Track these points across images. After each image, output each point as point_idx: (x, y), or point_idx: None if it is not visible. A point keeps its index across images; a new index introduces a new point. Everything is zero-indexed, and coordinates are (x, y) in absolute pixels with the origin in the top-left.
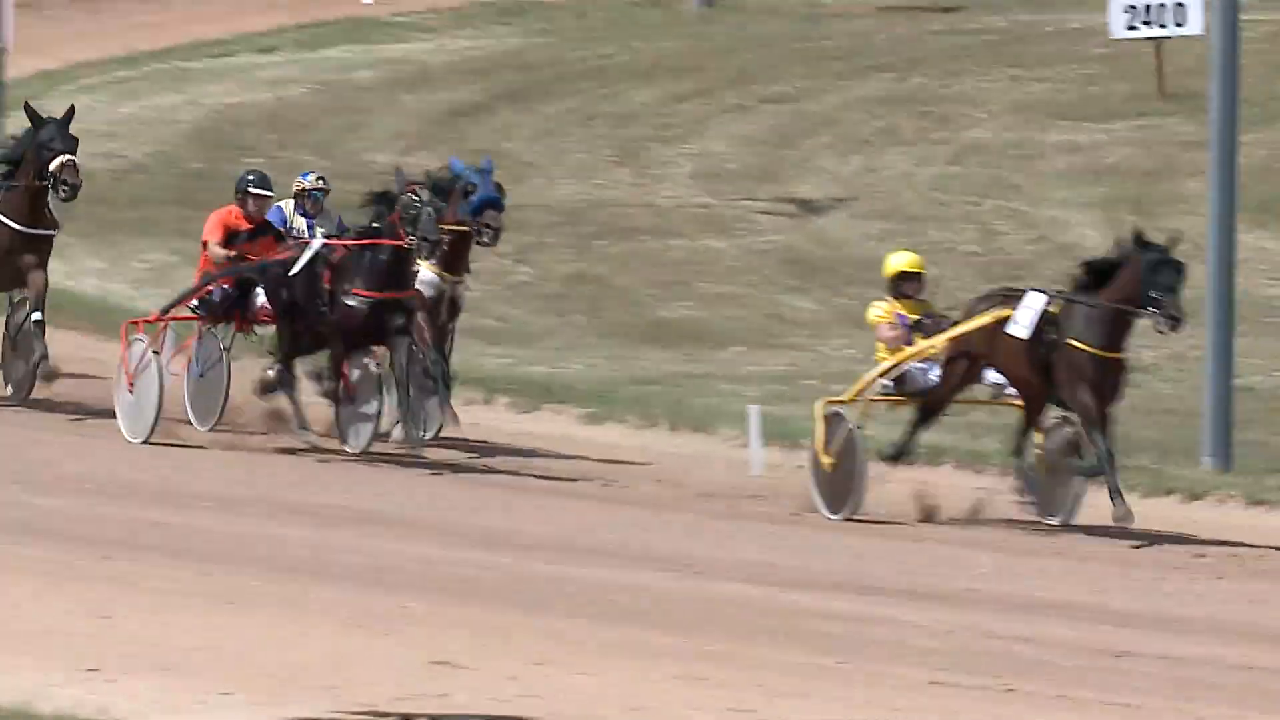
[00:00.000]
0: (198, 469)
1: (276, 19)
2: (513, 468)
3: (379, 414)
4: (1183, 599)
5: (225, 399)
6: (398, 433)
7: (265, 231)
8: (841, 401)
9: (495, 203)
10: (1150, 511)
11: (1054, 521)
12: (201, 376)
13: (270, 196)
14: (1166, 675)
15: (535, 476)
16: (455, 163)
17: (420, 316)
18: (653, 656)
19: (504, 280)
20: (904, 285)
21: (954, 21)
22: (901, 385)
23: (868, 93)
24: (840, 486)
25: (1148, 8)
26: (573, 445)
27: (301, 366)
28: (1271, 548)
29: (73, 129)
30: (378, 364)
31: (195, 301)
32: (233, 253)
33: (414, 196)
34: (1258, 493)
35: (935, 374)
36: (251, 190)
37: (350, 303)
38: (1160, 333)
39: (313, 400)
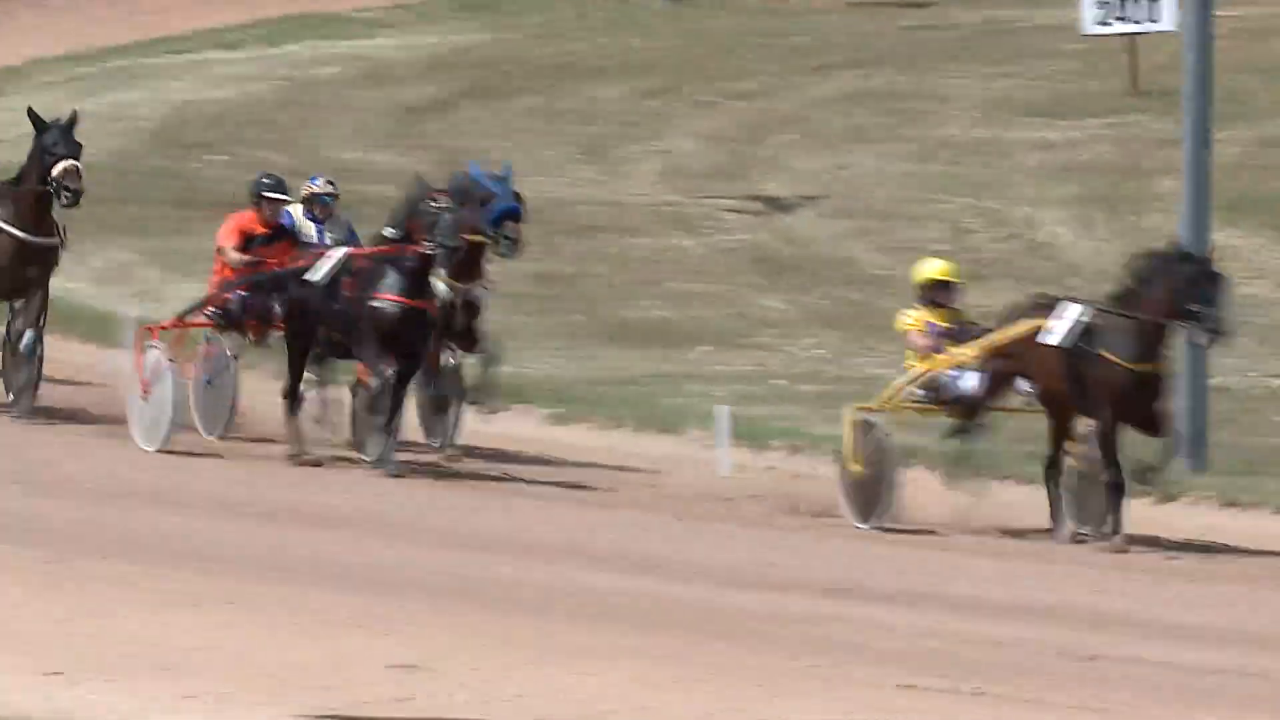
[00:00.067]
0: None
1: (237, 15)
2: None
3: (395, 426)
4: (1155, 602)
5: (234, 406)
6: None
7: (282, 236)
8: (871, 408)
9: (515, 213)
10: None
11: (1086, 532)
12: (209, 383)
13: (286, 200)
14: (1138, 678)
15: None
16: (474, 169)
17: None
18: (619, 659)
19: None
20: (936, 293)
21: (924, 17)
22: (933, 393)
23: (836, 89)
24: (870, 494)
25: (1121, 3)
26: (540, 446)
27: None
28: (1245, 550)
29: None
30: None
31: (213, 308)
32: (250, 257)
33: (433, 203)
34: (1232, 494)
35: (967, 382)
36: (267, 194)
37: (377, 304)
38: (1200, 345)
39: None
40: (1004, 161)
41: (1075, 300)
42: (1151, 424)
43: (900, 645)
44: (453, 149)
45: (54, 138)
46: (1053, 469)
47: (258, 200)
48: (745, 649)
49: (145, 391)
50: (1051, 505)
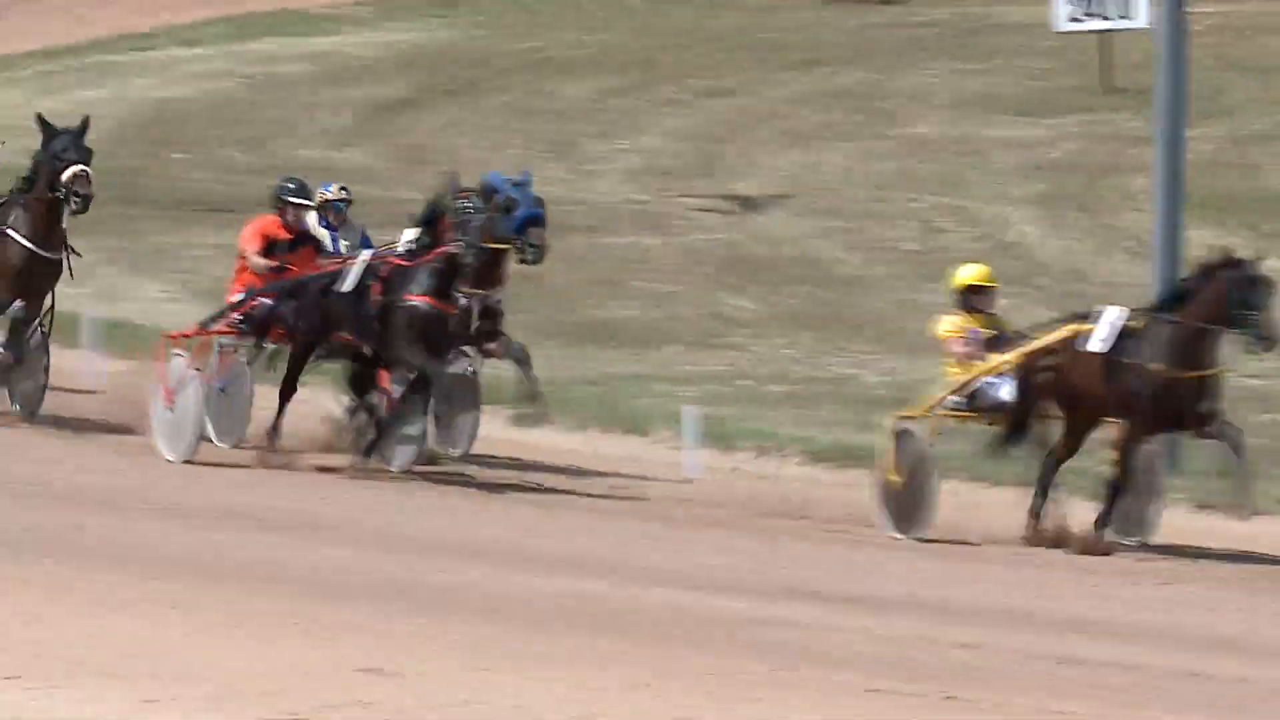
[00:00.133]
0: (141, 473)
1: (202, 11)
2: (457, 472)
3: (424, 434)
4: (1128, 605)
5: (248, 415)
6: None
7: (305, 242)
8: (912, 417)
9: (539, 219)
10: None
11: (1130, 542)
12: (223, 392)
13: (310, 206)
14: (1110, 682)
15: (465, 481)
16: (494, 176)
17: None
18: (591, 664)
19: None
20: (973, 298)
21: (896, 15)
22: (973, 401)
23: (808, 87)
24: (909, 505)
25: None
26: (507, 448)
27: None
28: (1217, 552)
29: None
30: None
31: (238, 316)
32: (274, 263)
33: (465, 203)
34: (1205, 497)
35: (1006, 390)
36: (291, 199)
37: (408, 304)
38: (1252, 353)
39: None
40: (976, 159)
41: (1117, 306)
42: (1199, 424)
43: (868, 650)
44: (419, 147)
45: (64, 144)
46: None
47: (281, 205)
48: (709, 654)
49: (169, 400)
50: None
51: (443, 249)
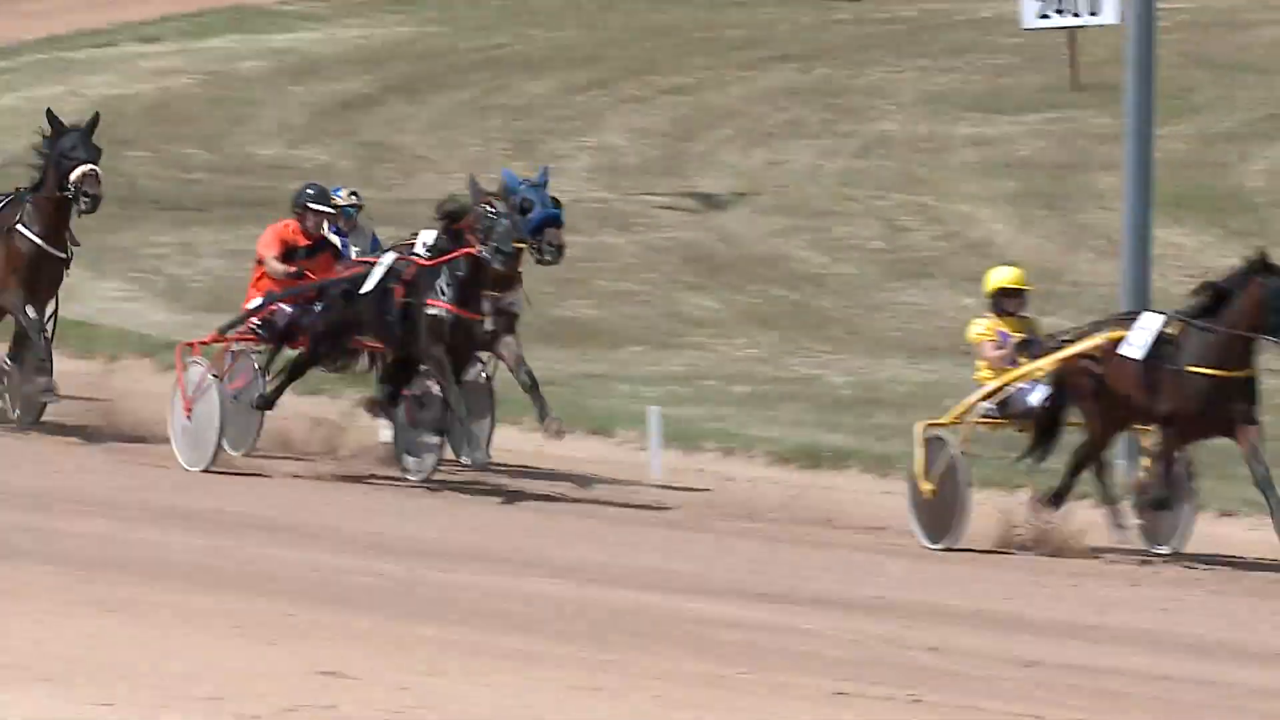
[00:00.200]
0: (79, 472)
1: (160, 7)
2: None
3: (443, 441)
4: (1096, 606)
5: (261, 423)
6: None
7: (324, 247)
8: (942, 424)
9: (556, 220)
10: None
11: (1164, 551)
12: (235, 399)
13: (331, 212)
14: (1078, 685)
15: (426, 482)
16: (509, 175)
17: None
18: (546, 666)
19: None
20: (1005, 302)
21: (861, 10)
22: (1004, 408)
23: (771, 84)
24: (942, 514)
25: None
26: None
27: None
28: (1185, 554)
29: None
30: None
31: (258, 322)
32: (293, 268)
33: (489, 208)
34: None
35: (1037, 396)
36: (311, 205)
37: (433, 312)
38: None
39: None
40: (942, 157)
41: (1156, 311)
42: (1234, 429)
43: (834, 652)
44: (377, 144)
45: (72, 142)
46: (1103, 483)
47: (301, 211)
48: (674, 657)
49: (188, 409)
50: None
51: (466, 251)
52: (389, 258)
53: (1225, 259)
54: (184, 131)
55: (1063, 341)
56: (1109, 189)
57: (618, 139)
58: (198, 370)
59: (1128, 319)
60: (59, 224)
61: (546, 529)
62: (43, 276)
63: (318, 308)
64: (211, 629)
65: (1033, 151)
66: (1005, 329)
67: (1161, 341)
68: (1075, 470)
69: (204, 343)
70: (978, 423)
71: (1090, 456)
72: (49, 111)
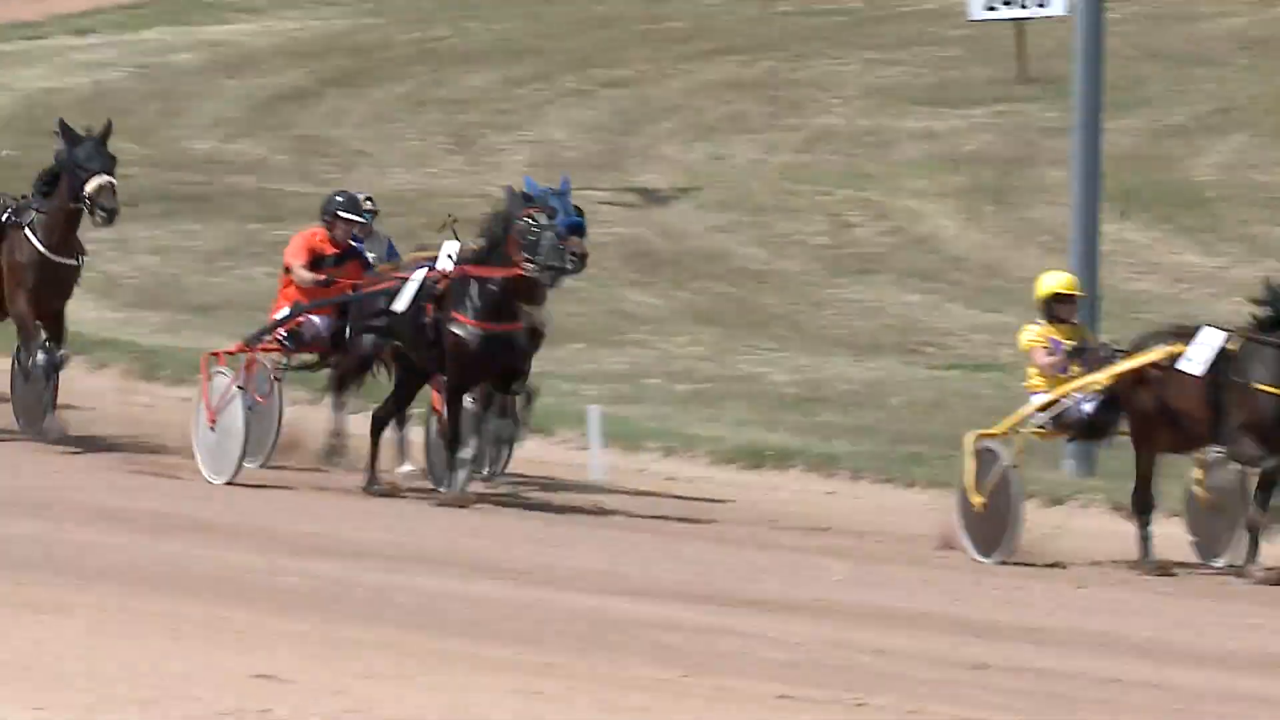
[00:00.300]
0: (11, 472)
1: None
2: (340, 472)
3: (476, 455)
4: (1043, 608)
5: (277, 433)
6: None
7: (352, 256)
8: (993, 435)
9: (580, 228)
10: None
11: (1219, 564)
12: (251, 409)
13: (361, 221)
14: (1026, 688)
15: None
16: (530, 184)
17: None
18: (486, 670)
19: None
20: (1058, 308)
21: (805, 1)
22: (1057, 420)
23: (714, 76)
24: (992, 528)
25: None
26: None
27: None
28: (1136, 555)
29: None
30: (473, 401)
31: (284, 332)
32: (321, 277)
33: (532, 221)
34: (1121, 498)
35: (1089, 406)
36: (341, 214)
37: (458, 331)
38: None
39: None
40: (888, 151)
41: (1216, 327)
42: None
43: (779, 655)
44: (313, 138)
45: (87, 152)
46: (1146, 502)
47: (332, 219)
48: (616, 660)
49: (212, 420)
50: (1142, 541)
51: (513, 271)
52: (420, 274)
53: (1175, 255)
54: (117, 125)
55: (1115, 351)
56: (1056, 184)
57: (558, 133)
58: (222, 380)
59: (1185, 333)
60: (67, 233)
61: (487, 530)
62: (46, 284)
63: (350, 322)
64: (146, 632)
65: (980, 145)
66: (1057, 336)
67: (1221, 357)
68: (1144, 486)
69: (230, 352)
70: (1031, 434)
71: (1147, 474)
72: (60, 121)
